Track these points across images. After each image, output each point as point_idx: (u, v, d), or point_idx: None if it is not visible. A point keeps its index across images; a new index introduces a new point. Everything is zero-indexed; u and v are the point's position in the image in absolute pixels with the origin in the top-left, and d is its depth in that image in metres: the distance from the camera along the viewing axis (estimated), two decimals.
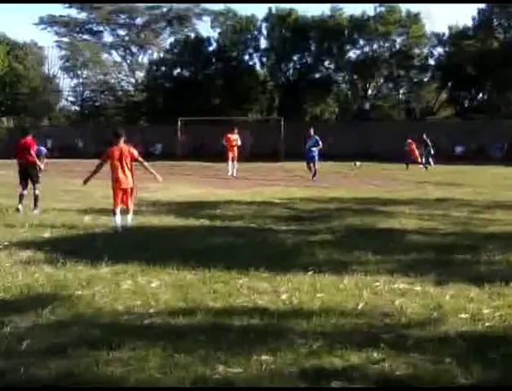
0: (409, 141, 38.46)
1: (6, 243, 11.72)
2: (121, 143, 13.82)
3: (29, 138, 17.87)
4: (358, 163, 38.38)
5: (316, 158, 28.71)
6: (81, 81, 71.58)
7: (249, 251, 11.12)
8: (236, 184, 26.01)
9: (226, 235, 13.08)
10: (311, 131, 29.10)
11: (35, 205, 16.68)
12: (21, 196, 16.80)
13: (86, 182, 14.16)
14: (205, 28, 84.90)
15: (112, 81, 71.10)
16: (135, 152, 13.87)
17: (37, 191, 16.98)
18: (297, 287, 8.48)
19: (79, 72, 70.89)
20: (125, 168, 13.68)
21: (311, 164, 28.68)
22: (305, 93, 57.95)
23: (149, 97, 63.62)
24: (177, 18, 66.87)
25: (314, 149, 28.58)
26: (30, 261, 10.30)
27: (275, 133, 46.28)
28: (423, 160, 38.13)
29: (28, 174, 17.34)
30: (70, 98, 74.41)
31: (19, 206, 16.52)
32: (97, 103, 71.29)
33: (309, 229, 13.87)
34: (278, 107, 60.09)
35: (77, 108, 73.70)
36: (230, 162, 30.79)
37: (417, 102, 62.29)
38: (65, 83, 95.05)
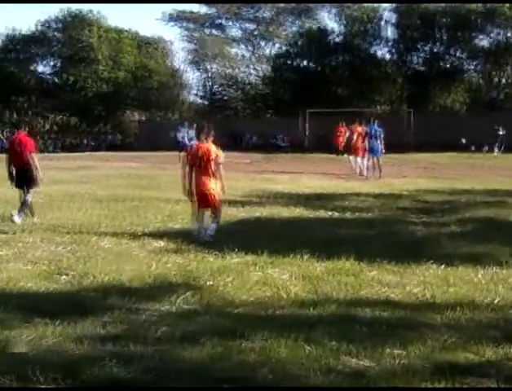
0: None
1: (139, 234, 12.05)
2: (209, 141, 11.79)
3: (23, 135, 14.23)
4: (496, 153, 37.39)
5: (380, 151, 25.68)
6: (209, 75, 72.71)
7: (379, 243, 11.02)
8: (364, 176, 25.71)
9: (355, 226, 13.00)
10: (373, 121, 26.61)
11: (19, 210, 13.58)
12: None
13: (189, 195, 12.07)
14: (331, 19, 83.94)
15: (240, 74, 71.85)
16: (221, 156, 11.77)
17: (28, 197, 13.79)
18: (429, 281, 8.33)
19: (208, 67, 72.01)
20: (208, 170, 11.57)
21: (378, 159, 25.65)
22: (434, 83, 56.66)
23: (275, 89, 63.76)
24: (304, 10, 66.75)
25: (379, 142, 25.53)
26: (162, 251, 10.56)
27: (403, 125, 45.54)
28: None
29: (24, 178, 13.94)
30: (199, 93, 75.75)
31: (35, 219, 13.83)
32: (225, 97, 72.18)
33: (439, 221, 13.61)
34: (406, 98, 59.06)
35: (205, 102, 74.87)
36: (356, 158, 27.40)
37: None
38: (194, 77, 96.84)
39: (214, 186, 11.64)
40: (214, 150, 11.66)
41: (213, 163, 11.57)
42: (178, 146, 33.17)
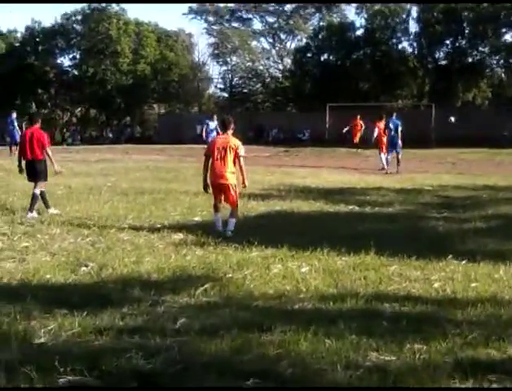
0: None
1: (158, 226, 12.05)
2: (229, 134, 11.76)
3: (37, 128, 14.07)
4: None
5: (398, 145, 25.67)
6: (229, 68, 72.65)
7: (400, 238, 10.98)
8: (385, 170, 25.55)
9: (375, 221, 12.96)
10: (392, 114, 26.92)
11: (30, 207, 13.42)
12: (42, 194, 13.90)
13: (205, 188, 11.89)
14: (352, 12, 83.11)
15: (261, 67, 71.73)
16: (241, 150, 11.60)
17: (36, 190, 13.62)
18: (450, 276, 8.28)
19: (228, 60, 71.93)
20: (227, 162, 11.45)
21: (397, 153, 25.60)
22: (456, 77, 56.23)
23: (296, 83, 63.59)
24: (325, 3, 66.44)
25: (396, 135, 25.55)
26: (182, 243, 10.56)
27: (425, 119, 45.26)
28: None
29: (34, 171, 13.91)
30: (219, 85, 75.75)
31: (51, 210, 13.72)
32: (245, 90, 72.11)
33: (461, 216, 13.52)
34: (428, 93, 58.67)
35: (225, 95, 74.86)
36: (383, 154, 26.63)
37: None
38: (214, 70, 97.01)
39: (231, 178, 11.58)
40: (234, 142, 11.58)
41: (233, 155, 11.47)
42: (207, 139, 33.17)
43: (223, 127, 12.08)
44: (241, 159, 11.59)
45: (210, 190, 11.82)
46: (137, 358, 5.40)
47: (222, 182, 11.59)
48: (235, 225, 11.49)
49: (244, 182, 11.78)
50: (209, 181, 11.74)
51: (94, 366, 5.21)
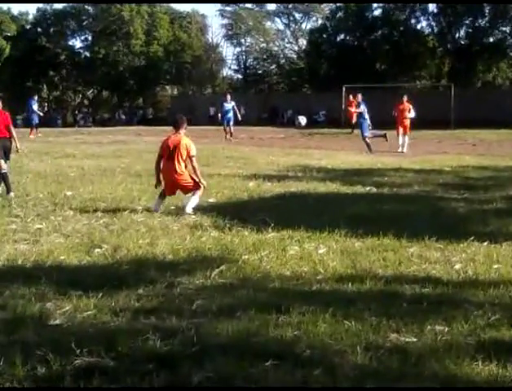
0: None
1: (172, 208, 11.96)
2: (181, 134, 11.90)
3: None
4: None
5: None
6: (243, 49, 72.42)
7: (419, 219, 10.84)
8: (404, 152, 25.38)
9: (394, 202, 12.84)
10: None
11: (8, 187, 13.57)
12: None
13: (157, 186, 12.19)
14: None
15: (275, 48, 71.45)
16: (193, 149, 11.78)
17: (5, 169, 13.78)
18: (471, 258, 8.15)
19: (242, 41, 71.70)
20: (178, 161, 11.68)
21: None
22: (476, 58, 55.68)
23: (312, 64, 63.27)
24: None
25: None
26: (197, 225, 10.46)
27: (444, 100, 44.81)
28: None
29: (7, 149, 14.01)
30: (233, 67, 75.58)
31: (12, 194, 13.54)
32: (260, 71, 71.92)
33: (482, 197, 13.37)
34: (448, 73, 58.13)
35: (239, 76, 74.70)
36: (401, 136, 26.82)
37: None
38: (228, 51, 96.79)
39: (186, 178, 11.82)
40: (185, 142, 11.75)
41: (184, 155, 11.68)
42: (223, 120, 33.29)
43: (175, 126, 12.04)
44: (193, 159, 11.77)
45: (162, 186, 12.09)
46: (153, 339, 5.35)
47: (174, 183, 11.86)
48: (196, 203, 11.76)
49: (201, 183, 11.93)
50: (162, 179, 12.03)
51: (110, 348, 5.16)
